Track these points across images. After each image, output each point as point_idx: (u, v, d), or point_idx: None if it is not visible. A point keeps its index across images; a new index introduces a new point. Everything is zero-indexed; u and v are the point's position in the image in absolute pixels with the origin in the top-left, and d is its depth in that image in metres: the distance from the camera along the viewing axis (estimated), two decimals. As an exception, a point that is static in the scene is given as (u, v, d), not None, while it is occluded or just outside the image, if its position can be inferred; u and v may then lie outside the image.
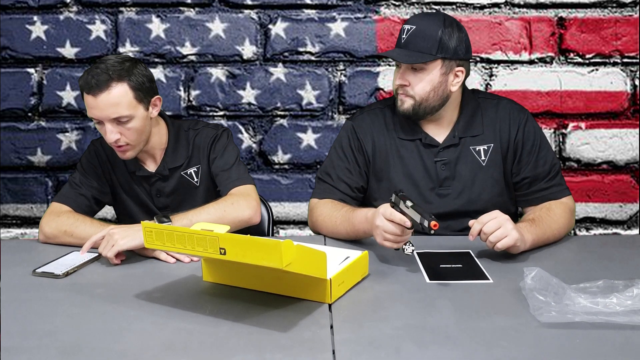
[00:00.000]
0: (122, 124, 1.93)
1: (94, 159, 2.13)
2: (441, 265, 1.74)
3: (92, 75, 1.90)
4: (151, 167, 2.11)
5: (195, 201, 2.10)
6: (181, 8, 2.79)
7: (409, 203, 1.66)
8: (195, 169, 2.12)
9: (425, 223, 1.58)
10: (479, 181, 2.04)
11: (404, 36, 1.96)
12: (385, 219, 1.69)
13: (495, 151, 2.05)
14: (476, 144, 2.05)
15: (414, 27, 1.95)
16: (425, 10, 2.76)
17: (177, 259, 1.80)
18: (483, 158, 2.04)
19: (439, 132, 2.05)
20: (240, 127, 2.83)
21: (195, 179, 2.12)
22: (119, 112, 1.91)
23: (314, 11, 2.79)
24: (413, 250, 1.68)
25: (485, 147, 2.05)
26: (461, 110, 2.06)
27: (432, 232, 1.57)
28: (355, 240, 1.93)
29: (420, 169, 2.04)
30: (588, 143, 2.84)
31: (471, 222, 1.76)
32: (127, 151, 1.99)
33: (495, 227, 1.72)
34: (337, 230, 1.96)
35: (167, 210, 2.10)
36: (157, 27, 2.79)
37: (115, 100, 1.90)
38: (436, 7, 2.77)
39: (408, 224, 1.65)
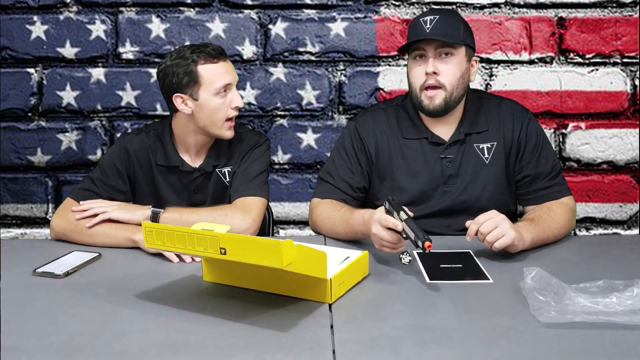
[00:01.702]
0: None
1: (119, 156, 2.11)
2: (441, 265, 1.74)
3: (212, 47, 2.03)
4: (193, 163, 2.12)
5: (224, 201, 2.10)
6: (181, 8, 2.79)
7: (403, 215, 1.65)
8: (230, 169, 2.12)
9: (419, 243, 1.57)
10: (481, 179, 2.05)
11: (427, 26, 1.94)
12: (380, 227, 1.69)
13: (499, 149, 2.05)
14: (480, 141, 2.05)
15: (437, 16, 1.95)
16: (425, 10, 2.75)
17: (181, 259, 1.79)
18: (486, 156, 2.05)
19: (444, 130, 2.06)
20: (240, 127, 2.83)
21: (227, 179, 2.12)
22: (237, 77, 2.07)
23: (314, 11, 2.79)
24: (410, 261, 1.68)
25: (489, 145, 2.05)
26: (465, 107, 2.07)
27: (427, 251, 1.56)
28: (355, 240, 1.93)
29: (425, 167, 2.05)
30: (588, 143, 2.84)
31: (468, 223, 1.76)
32: (233, 127, 2.07)
33: (492, 226, 1.72)
34: (336, 230, 1.96)
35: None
36: (157, 27, 2.79)
37: (233, 66, 2.08)
38: (436, 7, 2.77)
39: (399, 227, 1.65)
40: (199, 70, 1.98)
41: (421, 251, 1.57)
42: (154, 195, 2.12)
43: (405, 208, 1.68)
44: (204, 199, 2.12)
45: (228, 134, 2.05)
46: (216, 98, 1.99)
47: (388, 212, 1.70)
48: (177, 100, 2.02)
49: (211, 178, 2.11)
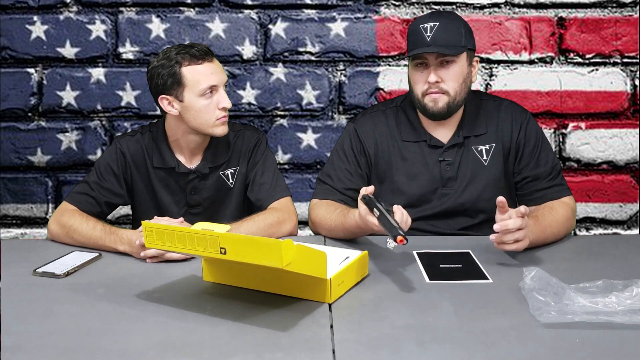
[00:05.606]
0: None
1: (115, 158, 2.10)
2: (441, 265, 1.74)
3: (197, 48, 1.99)
4: (188, 164, 2.11)
5: (227, 202, 2.11)
6: (181, 8, 2.79)
7: (376, 212, 1.65)
8: (232, 171, 2.12)
9: (391, 239, 1.55)
10: (480, 181, 2.05)
11: (428, 34, 1.95)
12: (377, 225, 1.68)
13: (497, 151, 2.05)
14: (479, 143, 2.05)
15: (438, 23, 1.95)
16: (425, 10, 2.76)
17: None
18: (485, 158, 2.05)
19: (443, 133, 2.06)
20: (240, 127, 2.83)
21: (231, 181, 2.12)
22: (226, 77, 2.04)
23: (314, 11, 2.79)
24: (395, 246, 1.60)
25: (487, 147, 2.05)
26: (465, 109, 2.07)
27: (403, 245, 1.53)
28: (355, 240, 1.93)
29: (424, 170, 2.05)
30: (588, 143, 2.84)
31: (501, 199, 1.72)
32: (227, 123, 2.04)
33: (520, 225, 1.70)
34: (334, 232, 1.97)
35: (199, 208, 2.10)
36: (157, 27, 2.79)
37: (221, 66, 2.05)
38: (436, 7, 2.77)
39: (377, 223, 1.65)
40: (183, 71, 1.97)
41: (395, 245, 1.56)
42: (152, 197, 2.12)
43: (379, 203, 1.67)
44: (200, 200, 2.12)
45: (220, 130, 2.03)
46: (201, 99, 1.98)
47: (370, 209, 1.70)
48: (164, 102, 2.02)
49: (208, 179, 2.11)
